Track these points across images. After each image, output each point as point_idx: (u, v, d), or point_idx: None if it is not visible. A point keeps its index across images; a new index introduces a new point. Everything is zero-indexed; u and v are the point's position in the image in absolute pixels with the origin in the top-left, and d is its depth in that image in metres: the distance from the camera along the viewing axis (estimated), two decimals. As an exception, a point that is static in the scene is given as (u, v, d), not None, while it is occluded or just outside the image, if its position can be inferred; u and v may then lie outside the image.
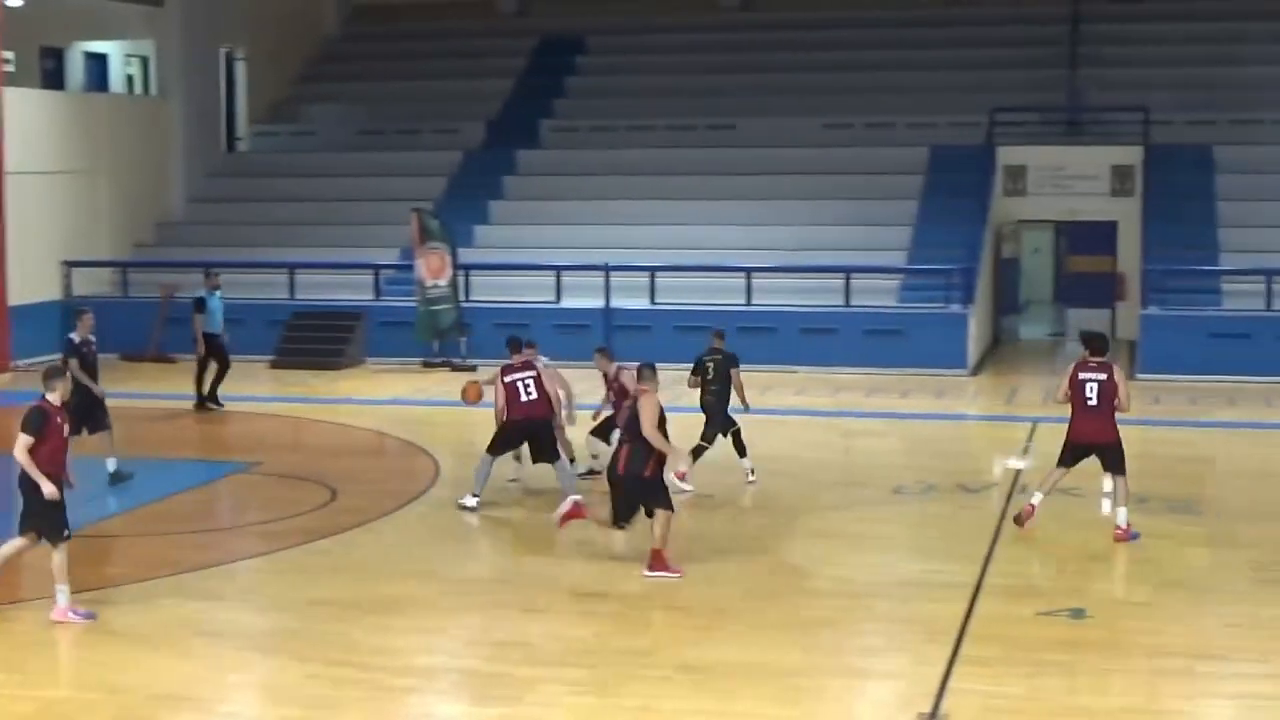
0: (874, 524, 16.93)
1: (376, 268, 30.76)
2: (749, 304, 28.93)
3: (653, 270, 29.27)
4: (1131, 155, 31.71)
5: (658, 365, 14.99)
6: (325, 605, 13.38)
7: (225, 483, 19.06)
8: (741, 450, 18.43)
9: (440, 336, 29.03)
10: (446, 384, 26.41)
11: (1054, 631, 12.75)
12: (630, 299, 29.17)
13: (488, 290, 30.07)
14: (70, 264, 31.38)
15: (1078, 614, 13.17)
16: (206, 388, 24.04)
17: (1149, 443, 22.66)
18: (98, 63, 35.64)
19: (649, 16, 38.67)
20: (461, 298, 29.26)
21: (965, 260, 29.18)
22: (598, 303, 28.91)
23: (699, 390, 18.34)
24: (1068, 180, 32.29)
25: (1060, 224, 34.19)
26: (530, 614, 13.33)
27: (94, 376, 18.46)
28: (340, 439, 22.37)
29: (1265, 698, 11.39)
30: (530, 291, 29.77)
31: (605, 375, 18.04)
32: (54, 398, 13.06)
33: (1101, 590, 13.93)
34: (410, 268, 29.58)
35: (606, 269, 29.08)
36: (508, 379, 16.91)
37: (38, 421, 12.77)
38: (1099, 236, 32.32)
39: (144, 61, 36.04)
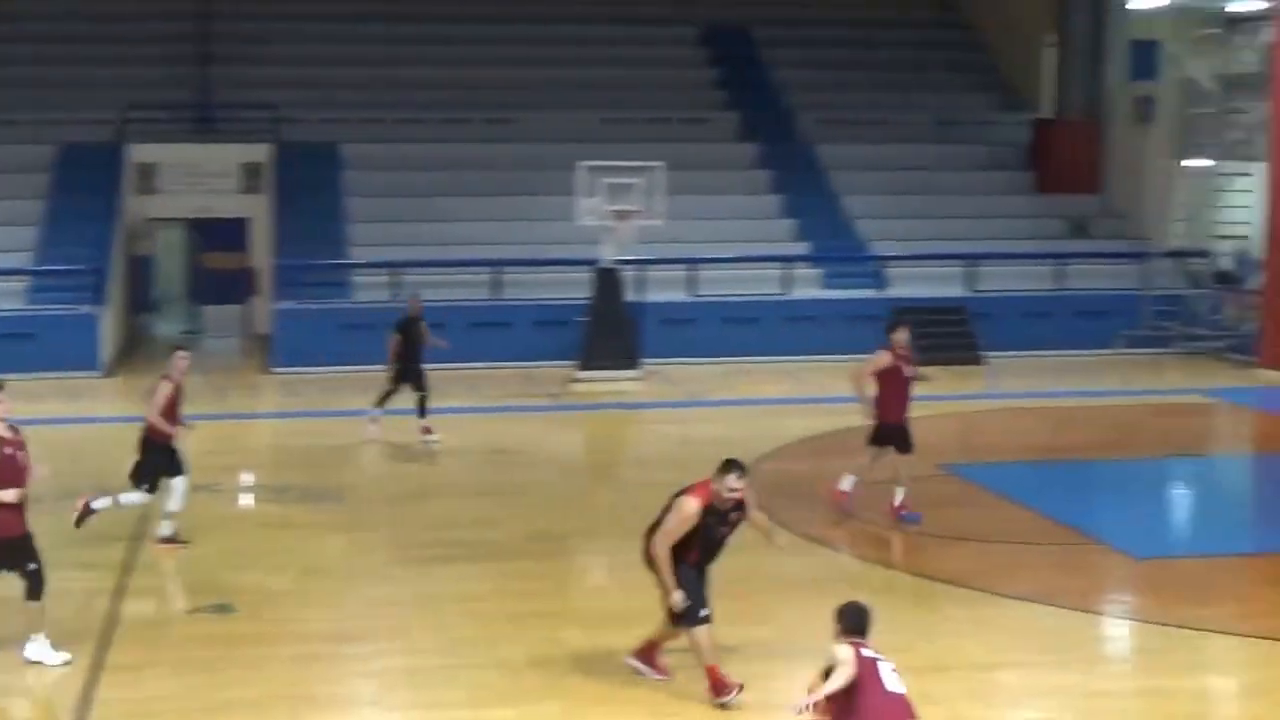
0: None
1: None
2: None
3: None
4: (262, 153, 32.15)
5: None
6: None
7: None
8: None
9: None
10: None
11: (201, 628, 12.77)
12: None
13: None
14: None
15: (224, 608, 13.23)
16: None
17: (286, 434, 23.18)
18: None
19: None
20: None
21: (96, 260, 28.58)
22: None
23: None
24: (199, 178, 32.42)
25: (193, 221, 34.11)
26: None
27: None
28: None
29: (403, 672, 11.92)
30: None
31: None
32: None
33: (246, 582, 14.05)
34: None
35: None
36: None
37: None
38: (231, 233, 32.64)
39: None
